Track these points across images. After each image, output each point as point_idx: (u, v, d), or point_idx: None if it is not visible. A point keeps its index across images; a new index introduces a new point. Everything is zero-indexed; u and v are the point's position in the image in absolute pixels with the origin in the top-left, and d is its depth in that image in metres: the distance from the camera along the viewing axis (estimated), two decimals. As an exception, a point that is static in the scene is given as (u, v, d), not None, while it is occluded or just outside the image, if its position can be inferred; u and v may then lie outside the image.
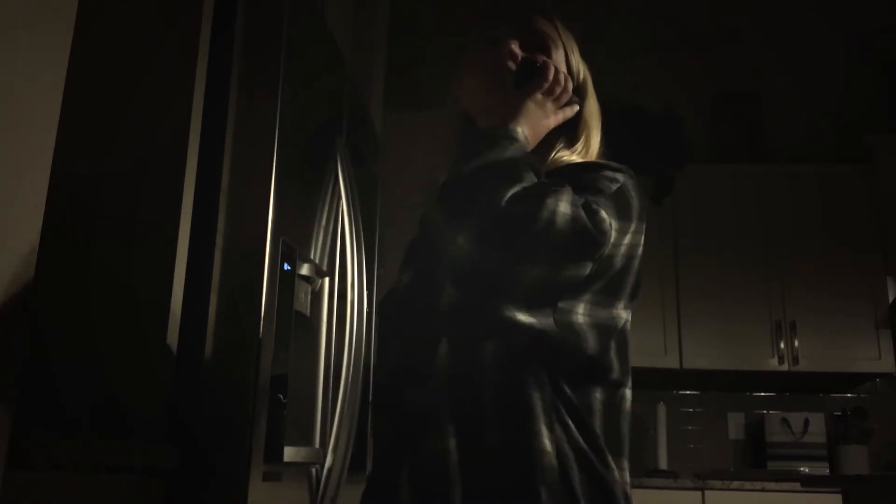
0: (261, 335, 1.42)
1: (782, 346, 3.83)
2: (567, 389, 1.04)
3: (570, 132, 1.22)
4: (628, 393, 1.13)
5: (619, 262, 1.07)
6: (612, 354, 1.11)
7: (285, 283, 1.51)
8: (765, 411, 4.09)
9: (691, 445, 4.10)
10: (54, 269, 1.22)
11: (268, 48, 1.56)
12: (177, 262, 1.42)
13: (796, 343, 3.82)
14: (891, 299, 3.86)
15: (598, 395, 1.08)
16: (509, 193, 0.98)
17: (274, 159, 1.50)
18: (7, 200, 0.99)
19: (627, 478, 1.09)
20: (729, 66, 4.44)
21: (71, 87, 1.10)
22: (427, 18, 4.18)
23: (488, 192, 0.98)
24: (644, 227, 1.13)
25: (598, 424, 1.06)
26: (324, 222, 1.78)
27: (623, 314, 1.13)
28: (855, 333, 3.82)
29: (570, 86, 1.18)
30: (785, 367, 3.81)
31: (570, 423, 1.03)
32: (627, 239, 1.08)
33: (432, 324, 1.07)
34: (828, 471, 3.82)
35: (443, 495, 0.98)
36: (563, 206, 0.97)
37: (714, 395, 4.16)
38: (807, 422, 3.96)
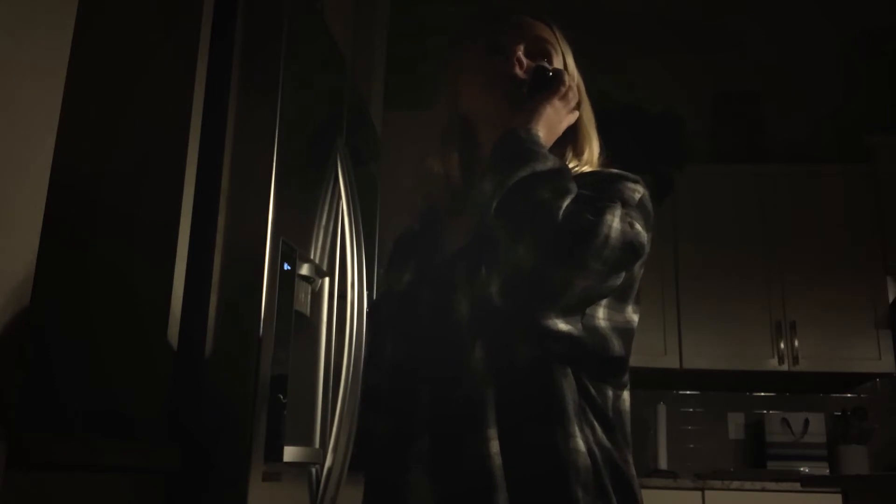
0: (261, 335, 1.42)
1: (782, 346, 3.83)
2: (592, 389, 1.07)
3: (572, 140, 1.22)
4: (627, 395, 1.15)
5: (638, 269, 1.11)
6: (628, 357, 1.14)
7: (285, 283, 1.51)
8: (765, 411, 4.09)
9: (691, 445, 4.10)
10: (54, 269, 1.22)
11: (268, 48, 1.56)
12: (177, 262, 1.42)
13: (796, 343, 3.82)
14: (891, 299, 3.86)
15: (609, 393, 1.11)
16: (563, 206, 0.99)
17: (274, 159, 1.50)
18: (7, 200, 0.99)
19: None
20: (729, 66, 4.44)
21: (71, 87, 1.10)
22: (427, 18, 4.18)
23: (544, 205, 0.99)
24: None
25: (614, 421, 1.09)
26: (324, 222, 1.78)
27: (634, 317, 1.15)
28: (855, 333, 3.82)
29: (576, 90, 1.19)
30: (785, 367, 3.81)
31: (595, 422, 1.05)
32: (648, 246, 1.09)
33: (459, 327, 1.07)
34: (828, 471, 3.82)
35: (485, 497, 0.99)
36: (617, 221, 0.99)
37: (714, 395, 4.16)
38: (807, 422, 3.96)
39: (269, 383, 1.43)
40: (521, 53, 1.19)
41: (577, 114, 1.19)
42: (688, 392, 4.18)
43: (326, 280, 1.80)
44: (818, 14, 4.19)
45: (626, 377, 1.13)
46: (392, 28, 3.45)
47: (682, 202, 4.01)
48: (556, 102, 1.14)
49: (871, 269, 3.89)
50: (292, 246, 1.55)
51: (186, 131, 1.47)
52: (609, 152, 1.27)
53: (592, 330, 1.07)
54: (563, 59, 1.24)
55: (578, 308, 1.05)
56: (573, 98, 1.17)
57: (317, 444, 1.70)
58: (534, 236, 0.98)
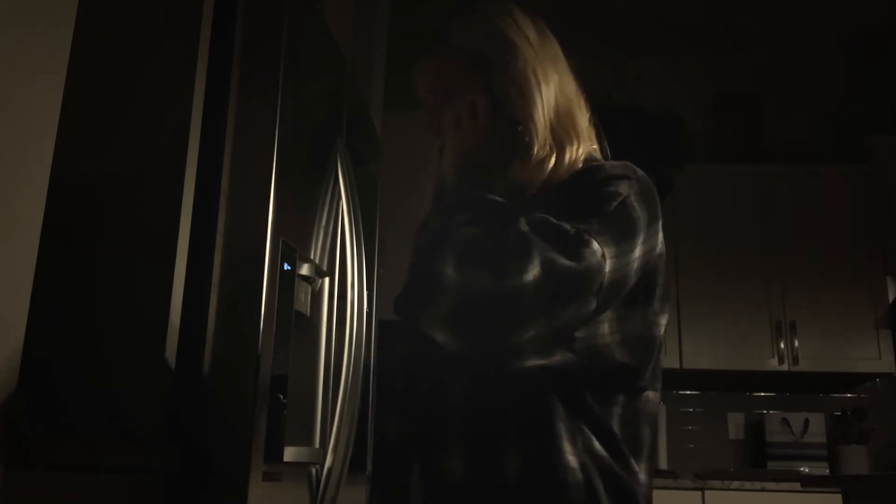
0: (261, 335, 1.41)
1: (782, 346, 3.83)
2: (589, 399, 1.04)
3: (553, 139, 1.15)
4: (652, 395, 1.12)
5: (633, 277, 1.04)
6: (648, 364, 1.10)
7: (285, 283, 1.51)
8: (765, 411, 4.09)
9: (691, 445, 4.09)
10: (54, 269, 1.22)
11: (268, 48, 1.56)
12: (177, 262, 1.42)
13: (796, 343, 3.82)
14: (891, 299, 3.86)
15: (620, 398, 1.07)
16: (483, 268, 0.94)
17: (274, 159, 1.49)
18: (7, 200, 0.99)
19: (648, 479, 1.09)
20: (729, 66, 4.44)
21: (71, 87, 1.10)
22: (427, 18, 4.18)
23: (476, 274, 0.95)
24: (658, 226, 1.10)
25: (619, 429, 1.06)
26: (324, 222, 1.78)
27: (660, 319, 1.12)
28: (855, 333, 3.82)
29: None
30: (785, 367, 3.81)
31: (590, 434, 1.03)
32: (638, 251, 1.04)
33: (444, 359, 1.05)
34: (828, 471, 3.82)
35: None
36: (534, 269, 0.93)
37: (714, 395, 4.16)
38: (807, 422, 3.96)
39: (269, 383, 1.43)
40: (433, 104, 1.20)
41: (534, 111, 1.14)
42: (688, 392, 4.18)
43: (326, 280, 1.80)
44: (818, 14, 4.19)
45: (645, 380, 1.09)
46: (392, 28, 3.44)
47: (682, 202, 4.00)
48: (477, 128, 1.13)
49: (871, 269, 3.88)
50: (292, 246, 1.55)
51: (186, 131, 1.47)
52: (599, 123, 1.22)
53: (589, 350, 1.04)
54: (520, 54, 1.16)
55: (557, 342, 1.02)
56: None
57: (317, 444, 1.70)
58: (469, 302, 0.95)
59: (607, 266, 0.98)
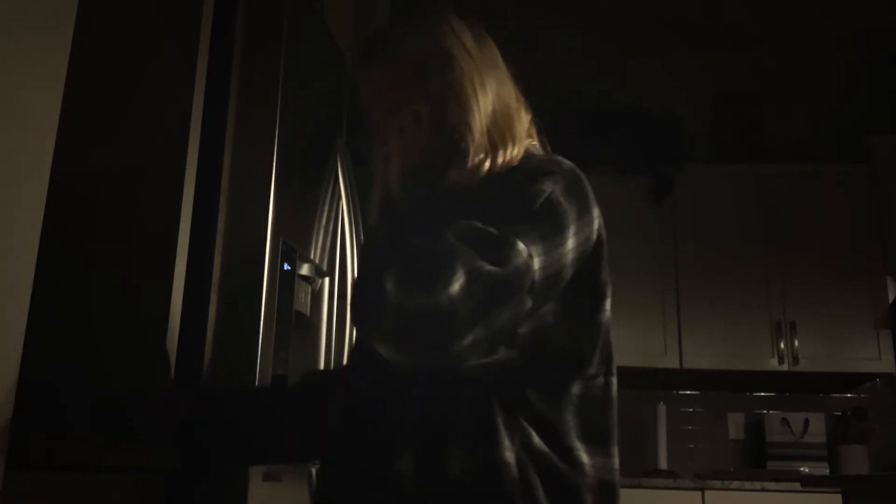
0: (261, 335, 1.42)
1: (782, 346, 3.83)
2: (532, 395, 1.07)
3: (490, 140, 1.17)
4: (613, 380, 1.15)
5: (569, 269, 1.07)
6: (594, 350, 1.13)
7: (285, 283, 1.51)
8: (765, 411, 4.09)
9: (691, 445, 4.10)
10: (54, 269, 1.22)
11: (268, 48, 1.56)
12: (177, 262, 1.42)
13: (796, 343, 3.82)
14: (891, 299, 3.86)
15: (574, 388, 1.10)
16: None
17: (274, 159, 1.50)
18: (7, 200, 0.99)
19: (615, 464, 1.12)
20: (729, 66, 4.44)
21: (71, 87, 1.10)
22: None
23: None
24: (592, 215, 1.12)
25: (572, 419, 1.09)
26: (324, 222, 1.78)
27: (604, 304, 1.15)
28: (855, 333, 3.82)
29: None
30: (785, 367, 3.81)
31: (530, 429, 1.05)
32: (571, 244, 1.07)
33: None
34: (828, 471, 3.82)
35: None
36: (459, 279, 0.95)
37: (714, 395, 4.16)
38: (807, 422, 3.96)
39: (269, 383, 1.43)
40: (379, 114, 1.21)
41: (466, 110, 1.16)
42: (688, 392, 4.18)
43: (326, 280, 1.80)
44: (818, 14, 4.19)
45: (594, 366, 1.12)
46: (392, 28, 3.44)
47: (682, 202, 4.00)
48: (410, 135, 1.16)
49: (871, 269, 3.89)
50: (292, 246, 1.56)
51: (186, 131, 1.46)
52: (538, 124, 1.24)
53: (533, 342, 1.07)
54: (425, 75, 1.19)
55: (498, 342, 1.04)
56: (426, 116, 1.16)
57: (317, 444, 1.70)
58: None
59: (536, 264, 1.00)
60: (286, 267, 1.52)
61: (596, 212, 1.13)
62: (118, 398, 1.29)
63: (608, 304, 1.16)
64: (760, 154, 4.28)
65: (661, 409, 3.96)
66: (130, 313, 1.39)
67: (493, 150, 1.15)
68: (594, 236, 1.12)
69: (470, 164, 1.14)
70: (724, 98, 4.41)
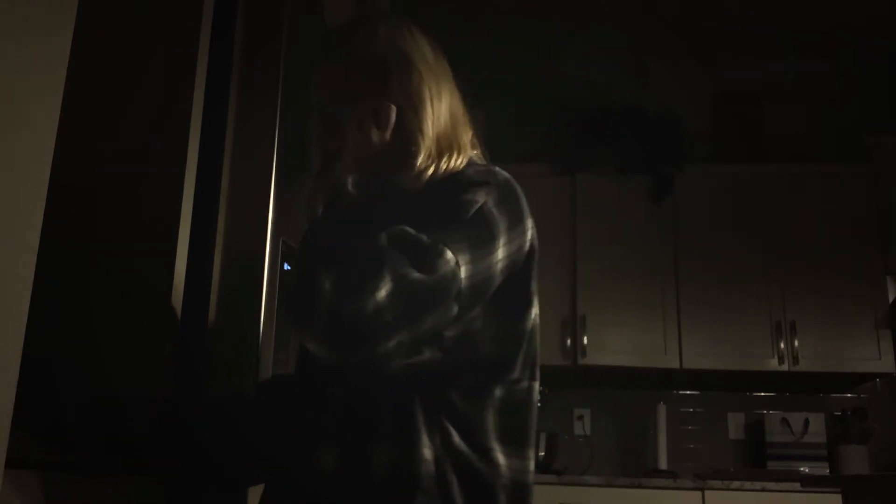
0: (261, 335, 1.42)
1: (782, 346, 3.83)
2: (453, 395, 1.09)
3: (437, 147, 1.20)
4: (536, 385, 1.18)
5: (497, 277, 1.10)
6: (517, 355, 1.15)
7: (285, 284, 1.51)
8: (765, 411, 4.09)
9: (691, 445, 4.10)
10: (54, 268, 1.22)
11: (268, 48, 1.56)
12: (177, 261, 1.42)
13: (796, 343, 3.82)
14: (891, 299, 3.86)
15: (497, 392, 1.13)
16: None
17: (274, 159, 1.50)
18: (7, 200, 0.99)
19: (531, 466, 1.16)
20: (729, 67, 4.44)
21: (71, 87, 1.10)
22: (427, 18, 4.18)
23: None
24: (525, 226, 1.15)
25: (492, 421, 1.11)
26: (324, 222, 1.78)
27: (529, 312, 1.17)
28: (855, 333, 3.82)
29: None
30: (785, 367, 3.81)
31: (451, 428, 1.08)
32: (501, 254, 1.09)
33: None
34: (828, 471, 3.82)
35: None
36: (385, 285, 0.97)
37: (714, 395, 4.16)
38: (807, 422, 3.96)
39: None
40: (335, 108, 1.22)
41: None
42: (688, 392, 4.18)
43: (326, 280, 1.79)
44: (817, 14, 4.19)
45: (517, 372, 1.15)
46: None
47: (682, 202, 4.00)
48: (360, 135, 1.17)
49: (871, 269, 3.89)
50: (292, 246, 1.56)
51: (186, 131, 1.46)
52: (481, 134, 1.27)
53: (458, 345, 1.09)
54: (367, 76, 1.21)
55: (424, 344, 1.07)
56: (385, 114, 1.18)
57: (317, 444, 1.70)
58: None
59: (463, 272, 1.02)
60: (286, 267, 1.52)
61: (529, 223, 1.17)
62: (118, 398, 1.29)
63: (535, 312, 1.19)
64: (760, 154, 4.28)
65: (661, 409, 3.96)
66: (130, 313, 1.39)
67: (438, 158, 1.18)
68: (526, 246, 1.16)
69: (416, 169, 1.17)
70: (724, 98, 4.41)
